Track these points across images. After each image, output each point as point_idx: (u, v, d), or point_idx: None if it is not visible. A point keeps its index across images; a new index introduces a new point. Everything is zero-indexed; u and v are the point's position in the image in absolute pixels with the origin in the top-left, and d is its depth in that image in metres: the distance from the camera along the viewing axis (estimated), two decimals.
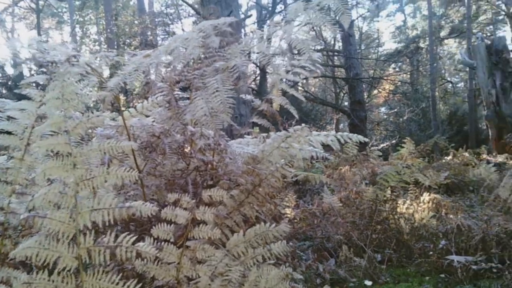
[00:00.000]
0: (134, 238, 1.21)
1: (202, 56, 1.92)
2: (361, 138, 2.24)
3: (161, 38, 17.16)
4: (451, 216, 3.79)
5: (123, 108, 1.99)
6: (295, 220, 4.22)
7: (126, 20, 18.53)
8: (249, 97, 2.24)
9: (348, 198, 4.55)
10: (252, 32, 2.04)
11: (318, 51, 20.73)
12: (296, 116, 2.14)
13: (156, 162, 1.82)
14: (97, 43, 22.18)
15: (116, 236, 1.22)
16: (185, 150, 1.92)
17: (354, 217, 3.87)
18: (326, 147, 2.34)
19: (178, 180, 1.88)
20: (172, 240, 1.41)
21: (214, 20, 1.89)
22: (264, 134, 2.24)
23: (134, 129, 1.93)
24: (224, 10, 8.76)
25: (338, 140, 2.17)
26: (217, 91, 1.79)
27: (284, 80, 2.25)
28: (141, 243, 1.22)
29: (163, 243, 1.43)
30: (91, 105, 9.54)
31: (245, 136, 2.50)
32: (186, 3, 11.65)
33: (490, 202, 3.74)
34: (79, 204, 1.31)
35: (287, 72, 2.14)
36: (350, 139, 2.20)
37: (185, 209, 1.39)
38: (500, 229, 3.24)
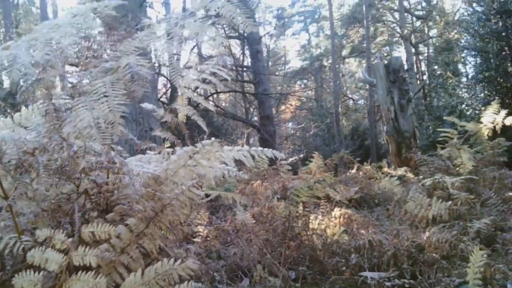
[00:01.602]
0: None
1: (89, 54, 1.60)
2: (276, 153, 2.04)
3: None
4: (362, 231, 3.78)
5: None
6: (208, 238, 4.02)
7: (28, 28, 17.17)
8: (150, 106, 1.96)
9: (261, 214, 4.41)
10: (149, 25, 1.75)
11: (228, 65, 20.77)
12: (205, 128, 1.91)
13: (29, 186, 1.46)
14: None
15: None
16: (70, 169, 1.57)
17: (267, 234, 3.74)
18: (238, 162, 2.13)
19: (65, 206, 1.53)
20: None
21: (96, 3, 1.59)
22: (170, 150, 1.96)
23: (3, 144, 1.55)
24: (132, 21, 8.31)
25: (253, 156, 1.94)
26: (104, 96, 1.46)
27: (193, 90, 2.00)
28: None
29: None
30: None
31: (147, 152, 2.18)
32: None
33: (399, 217, 3.78)
34: None
35: (195, 79, 1.89)
36: (265, 154, 1.99)
37: (59, 250, 1.07)
38: (410, 243, 3.25)
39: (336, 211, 4.13)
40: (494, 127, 5.43)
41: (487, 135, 5.46)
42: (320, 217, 4.05)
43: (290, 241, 3.56)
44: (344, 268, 3.27)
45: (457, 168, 4.89)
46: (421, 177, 5.61)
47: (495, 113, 5.46)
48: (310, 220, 3.86)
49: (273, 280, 3.10)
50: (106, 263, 1.20)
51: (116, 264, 1.40)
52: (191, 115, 1.93)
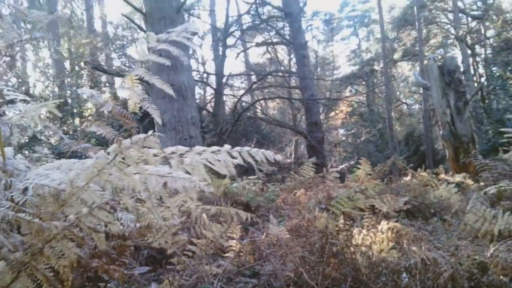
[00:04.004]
0: None
1: None
2: (268, 154, 1.54)
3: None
4: (414, 247, 3.29)
5: None
6: (241, 253, 3.69)
7: (77, 42, 17.76)
8: (88, 91, 1.63)
9: (298, 227, 4.01)
10: None
11: (274, 71, 20.52)
12: (159, 121, 1.56)
13: None
14: (49, 67, 20.98)
15: None
16: None
17: (303, 250, 3.34)
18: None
19: None
20: None
21: None
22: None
23: None
24: (169, 26, 8.22)
25: (234, 159, 1.43)
26: None
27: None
28: None
29: None
30: None
31: (90, 155, 1.79)
32: (130, 19, 11.08)
33: (458, 231, 3.26)
34: None
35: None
36: (251, 155, 1.49)
37: None
38: (471, 262, 2.75)
39: (383, 225, 3.67)
40: None
41: None
42: (364, 231, 3.61)
43: (330, 258, 3.16)
44: None
45: None
46: (482, 184, 5.00)
47: None
48: (353, 235, 3.44)
49: None
50: None
51: None
52: (141, 101, 1.56)
